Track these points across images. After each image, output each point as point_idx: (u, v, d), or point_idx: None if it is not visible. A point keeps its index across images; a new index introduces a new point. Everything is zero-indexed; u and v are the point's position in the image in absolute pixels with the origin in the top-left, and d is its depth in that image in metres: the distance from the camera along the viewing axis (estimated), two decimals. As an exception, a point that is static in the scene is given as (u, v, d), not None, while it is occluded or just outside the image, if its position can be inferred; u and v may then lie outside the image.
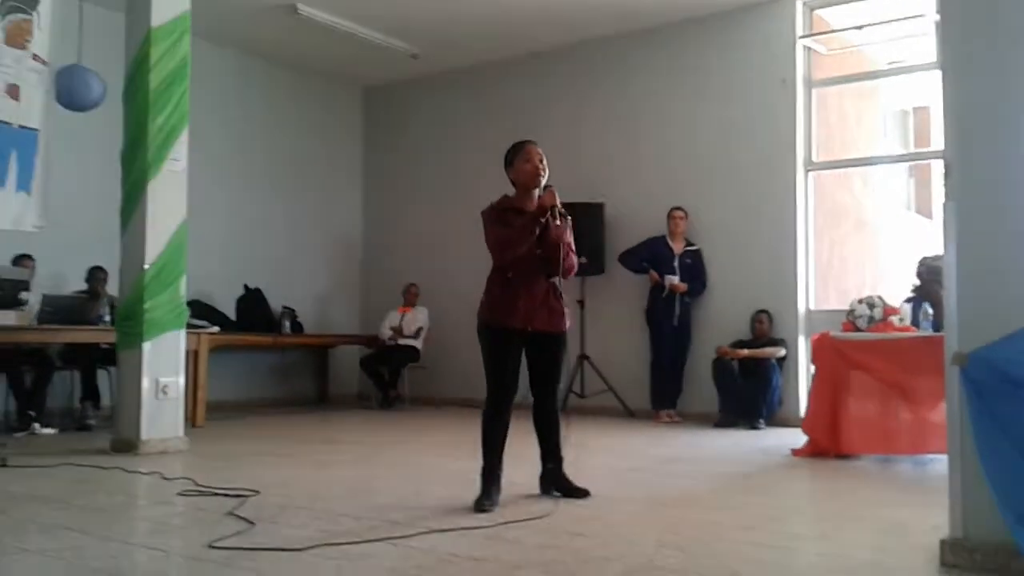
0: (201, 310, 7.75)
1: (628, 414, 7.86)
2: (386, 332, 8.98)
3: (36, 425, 6.22)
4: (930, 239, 10.41)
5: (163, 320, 5.40)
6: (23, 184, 5.36)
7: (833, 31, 7.84)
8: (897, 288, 6.42)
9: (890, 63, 8.79)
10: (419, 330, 8.91)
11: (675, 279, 7.59)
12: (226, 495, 3.76)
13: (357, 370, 9.42)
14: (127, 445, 5.25)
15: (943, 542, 2.69)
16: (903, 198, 11.90)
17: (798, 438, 5.65)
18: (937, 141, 10.12)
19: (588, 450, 5.75)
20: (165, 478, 4.27)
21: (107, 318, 6.74)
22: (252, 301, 8.71)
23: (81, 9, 5.55)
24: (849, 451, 5.29)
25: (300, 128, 9.65)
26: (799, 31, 7.60)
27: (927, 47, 7.41)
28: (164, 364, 5.42)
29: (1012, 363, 2.55)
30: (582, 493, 3.75)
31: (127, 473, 4.47)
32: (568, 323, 3.83)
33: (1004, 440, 2.55)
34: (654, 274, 7.64)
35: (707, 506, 3.81)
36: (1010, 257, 2.62)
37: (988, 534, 2.58)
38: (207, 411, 6.97)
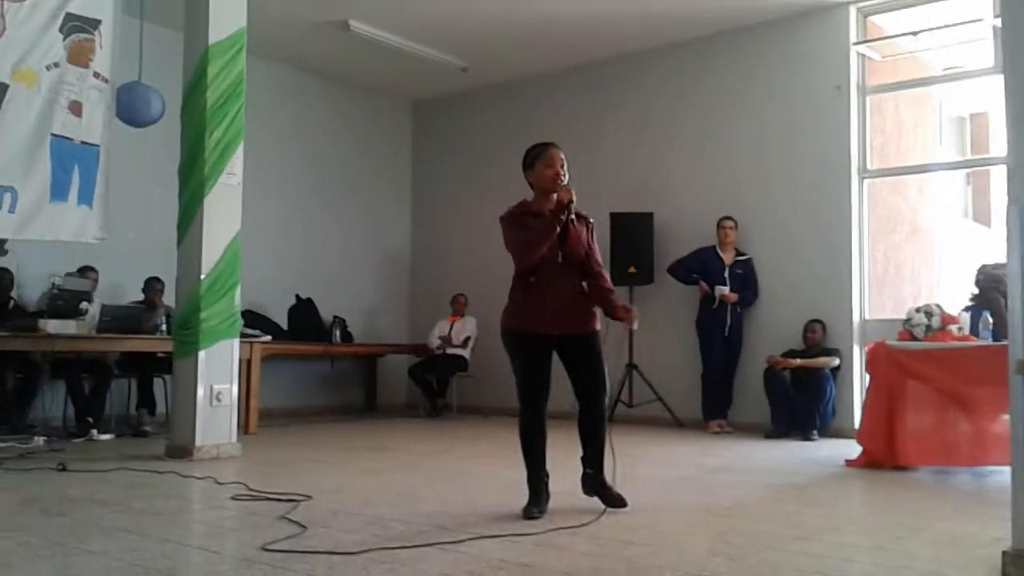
0: (254, 320, 7.90)
1: (677, 424, 7.79)
2: (435, 341, 9.04)
3: (94, 431, 6.39)
4: (988, 247, 10.17)
5: (218, 329, 5.51)
6: (85, 198, 5.50)
7: (888, 37, 7.72)
8: (954, 296, 6.28)
9: (946, 69, 8.61)
10: (467, 339, 8.95)
11: (725, 290, 7.53)
12: (278, 500, 3.81)
13: (405, 379, 9.49)
14: (182, 451, 5.35)
15: (1005, 554, 2.62)
16: (960, 206, 11.64)
17: (852, 449, 5.55)
18: (995, 148, 9.91)
19: (636, 459, 5.72)
20: (218, 483, 4.35)
21: (163, 327, 6.90)
22: (304, 311, 8.84)
23: (141, 28, 5.70)
24: (905, 463, 5.18)
25: (350, 142, 9.79)
26: (853, 37, 7.50)
27: (984, 52, 7.25)
28: (218, 372, 5.52)
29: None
30: (619, 502, 3.63)
31: (182, 478, 4.56)
32: (598, 323, 3.70)
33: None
34: (704, 285, 7.59)
35: (758, 516, 3.76)
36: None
37: (1052, 546, 2.51)
38: (259, 418, 7.09)
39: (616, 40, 8.39)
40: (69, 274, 6.64)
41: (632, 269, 7.99)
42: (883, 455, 5.21)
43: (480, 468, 5.33)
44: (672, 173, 8.37)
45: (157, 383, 7.11)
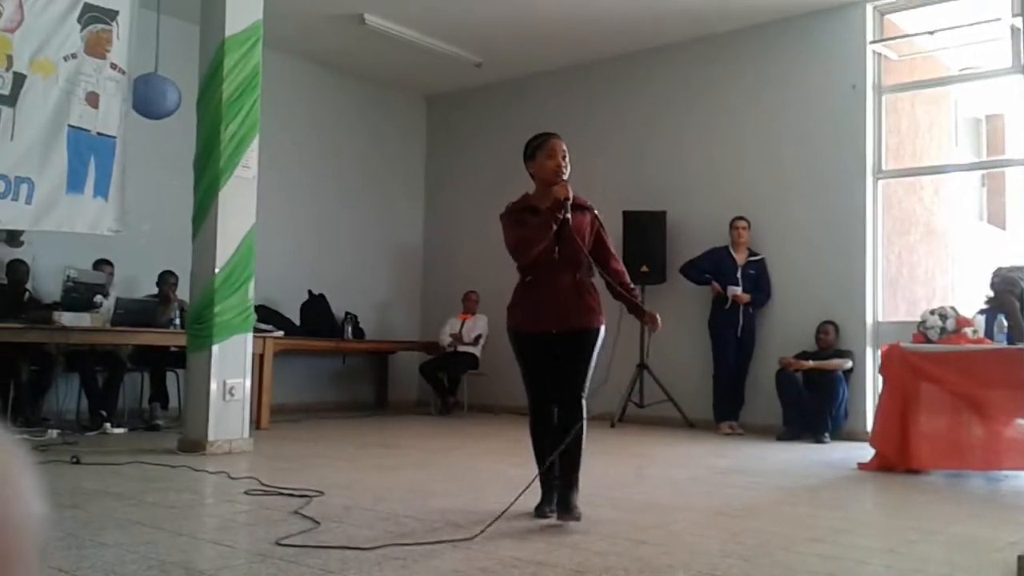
0: (267, 315, 7.91)
1: (687, 425, 7.77)
2: (446, 339, 9.05)
3: (107, 424, 6.41)
4: (1003, 250, 10.11)
5: (231, 323, 5.52)
6: (100, 190, 5.52)
7: (905, 36, 7.67)
8: (969, 299, 6.24)
9: (963, 69, 8.56)
10: (478, 337, 8.95)
11: (738, 290, 7.50)
12: (291, 495, 3.82)
13: (416, 376, 9.50)
14: (194, 445, 5.37)
15: (1021, 558, 2.60)
16: (975, 207, 11.56)
17: (864, 452, 5.53)
18: (1011, 149, 9.83)
19: (648, 459, 5.72)
20: (231, 477, 4.36)
21: (177, 322, 6.92)
22: (316, 307, 8.86)
23: (158, 20, 5.71)
24: (918, 466, 5.15)
25: (364, 136, 9.79)
26: (870, 36, 7.46)
27: (1001, 52, 7.20)
28: (231, 366, 5.53)
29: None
30: (573, 515, 3.30)
31: (195, 472, 4.58)
32: (598, 320, 3.49)
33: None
34: (716, 285, 7.57)
35: (770, 517, 3.74)
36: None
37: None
38: (270, 414, 7.11)
39: (630, 37, 8.37)
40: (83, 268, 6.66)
41: (644, 268, 7.97)
42: (896, 458, 5.18)
43: (491, 466, 5.32)
44: (685, 172, 8.35)
45: (170, 377, 7.14)
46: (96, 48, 5.43)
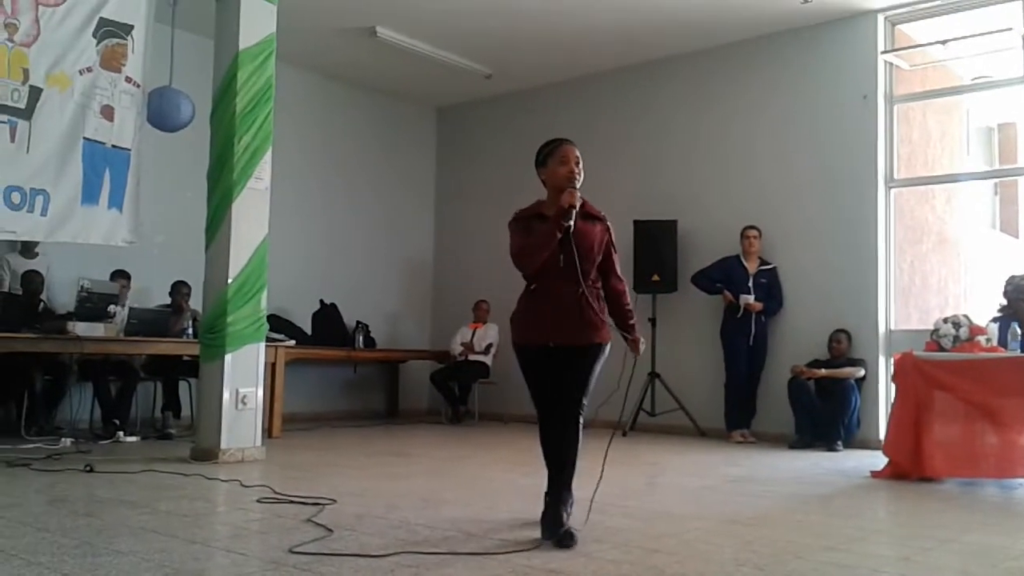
0: (279, 324, 7.95)
1: (699, 433, 7.76)
2: (457, 348, 9.06)
3: (120, 433, 6.44)
4: (1015, 258, 10.06)
5: (244, 333, 5.54)
6: (115, 201, 5.57)
7: (916, 46, 7.66)
8: (982, 307, 6.22)
9: (974, 78, 8.54)
10: (489, 346, 8.96)
11: (751, 298, 7.49)
12: (303, 503, 3.83)
13: (427, 385, 9.51)
14: (207, 453, 5.39)
15: (1036, 567, 2.59)
16: (987, 216, 11.52)
17: (877, 460, 5.51)
18: (1023, 158, 9.80)
19: (660, 468, 5.71)
20: (244, 486, 4.37)
21: (189, 331, 6.96)
22: (327, 316, 8.89)
23: (173, 34, 5.77)
24: (932, 474, 5.13)
25: (375, 147, 9.85)
26: (881, 46, 7.46)
27: (1013, 61, 7.19)
28: (244, 376, 5.55)
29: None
30: (566, 540, 3.09)
31: (207, 480, 4.60)
32: (602, 335, 3.34)
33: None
34: (728, 294, 7.56)
35: (784, 525, 3.73)
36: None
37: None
38: (282, 422, 7.13)
39: (640, 48, 8.40)
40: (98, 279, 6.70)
41: (655, 277, 7.98)
42: (909, 466, 5.16)
43: (502, 475, 5.33)
44: (696, 181, 8.35)
45: (182, 386, 7.18)
46: (111, 62, 5.49)
